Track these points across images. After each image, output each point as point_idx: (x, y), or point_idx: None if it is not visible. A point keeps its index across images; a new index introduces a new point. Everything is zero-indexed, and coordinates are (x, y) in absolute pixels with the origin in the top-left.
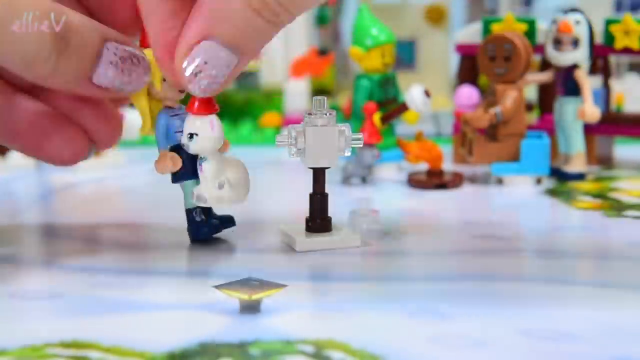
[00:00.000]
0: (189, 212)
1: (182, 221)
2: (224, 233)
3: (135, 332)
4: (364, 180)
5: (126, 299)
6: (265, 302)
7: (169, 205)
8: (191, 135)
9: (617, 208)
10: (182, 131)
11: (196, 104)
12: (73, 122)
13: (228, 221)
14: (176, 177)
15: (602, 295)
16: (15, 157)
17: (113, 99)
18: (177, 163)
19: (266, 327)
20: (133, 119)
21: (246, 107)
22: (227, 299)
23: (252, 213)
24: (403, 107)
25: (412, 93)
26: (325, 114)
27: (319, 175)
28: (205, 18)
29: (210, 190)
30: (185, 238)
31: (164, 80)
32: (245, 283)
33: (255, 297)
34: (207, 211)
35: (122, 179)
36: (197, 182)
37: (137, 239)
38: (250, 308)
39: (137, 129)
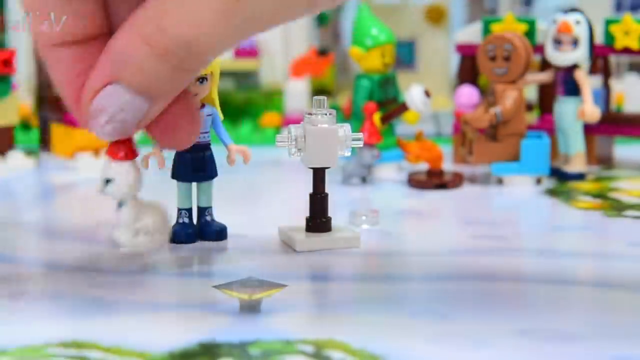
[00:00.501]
0: (177, 212)
1: None
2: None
3: (135, 332)
4: (363, 180)
5: (126, 299)
6: (265, 302)
7: (168, 205)
8: (107, 181)
9: (617, 208)
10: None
11: (115, 149)
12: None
13: (220, 232)
14: (174, 175)
15: (602, 295)
16: (15, 157)
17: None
18: (146, 164)
19: (266, 327)
20: None
21: (246, 107)
22: (227, 299)
23: (252, 213)
24: (403, 107)
25: (412, 93)
26: (326, 114)
27: (319, 175)
28: (112, 62)
29: (127, 236)
30: None
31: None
32: (245, 283)
33: (255, 297)
34: (199, 216)
35: None
36: (199, 187)
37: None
38: (250, 308)
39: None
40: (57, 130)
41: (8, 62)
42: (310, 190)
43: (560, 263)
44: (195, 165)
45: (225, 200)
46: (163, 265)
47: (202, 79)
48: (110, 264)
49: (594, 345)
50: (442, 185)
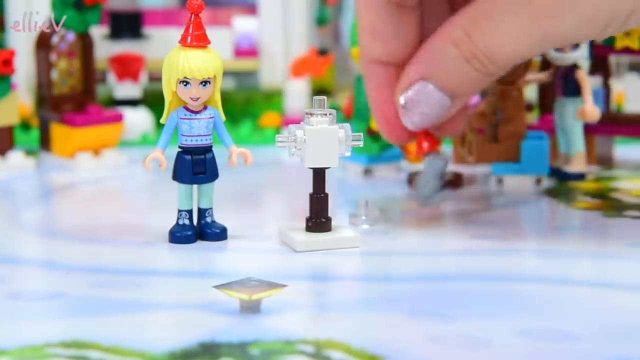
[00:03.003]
0: (178, 213)
1: None
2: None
3: (135, 332)
4: (444, 187)
5: (126, 299)
6: (265, 302)
7: (168, 206)
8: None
9: (617, 208)
10: (188, 135)
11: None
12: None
13: (220, 234)
14: (175, 176)
15: (602, 295)
16: (15, 157)
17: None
18: (147, 166)
19: (266, 327)
20: (133, 119)
21: (246, 107)
22: (227, 299)
23: (252, 213)
24: None
25: None
26: (326, 114)
27: (319, 175)
28: (424, 63)
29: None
30: None
31: (179, 83)
32: (245, 283)
33: (255, 297)
34: (200, 217)
35: (122, 179)
36: (200, 189)
37: (137, 239)
38: (250, 308)
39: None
40: (57, 130)
41: (8, 62)
42: (310, 190)
43: (560, 263)
44: (196, 167)
45: (225, 200)
46: (163, 265)
47: (205, 82)
48: (110, 264)
49: (594, 345)
50: (443, 186)
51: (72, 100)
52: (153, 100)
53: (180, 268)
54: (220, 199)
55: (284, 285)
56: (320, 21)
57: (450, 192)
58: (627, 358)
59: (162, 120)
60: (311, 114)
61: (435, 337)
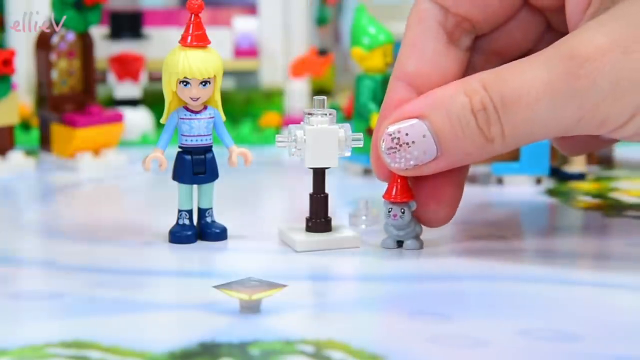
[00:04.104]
0: (178, 213)
1: None
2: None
3: (135, 332)
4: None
5: (126, 299)
6: (265, 302)
7: (168, 205)
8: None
9: (617, 208)
10: (189, 136)
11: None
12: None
13: (220, 233)
14: (175, 176)
15: (602, 295)
16: (15, 157)
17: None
18: (147, 166)
19: (266, 327)
20: (133, 119)
21: (246, 107)
22: (227, 299)
23: (252, 213)
24: None
25: None
26: (326, 114)
27: (319, 175)
28: (427, 102)
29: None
30: None
31: (180, 83)
32: (245, 283)
33: (255, 297)
34: (200, 217)
35: (122, 179)
36: (200, 189)
37: (137, 239)
38: (250, 308)
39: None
40: (57, 130)
41: (8, 62)
42: (310, 190)
43: (560, 263)
44: (196, 167)
45: (225, 200)
46: (163, 265)
47: (205, 82)
48: (110, 264)
49: (594, 345)
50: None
51: (72, 100)
52: (153, 100)
53: (180, 268)
54: (220, 199)
55: (284, 285)
56: (320, 21)
57: None
58: (627, 358)
59: (162, 121)
60: (311, 114)
61: (435, 337)
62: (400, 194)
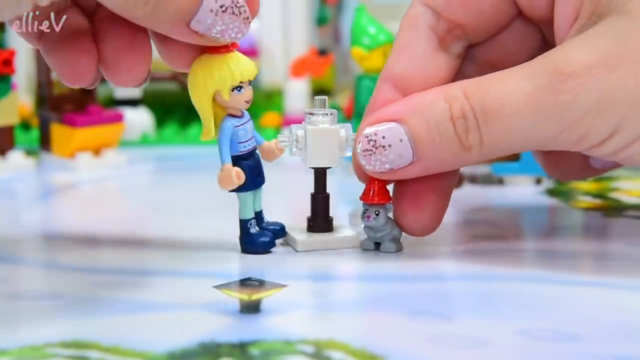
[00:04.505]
0: (244, 223)
1: (182, 221)
2: (225, 232)
3: (135, 332)
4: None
5: (126, 299)
6: (265, 302)
7: (169, 206)
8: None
9: (617, 208)
10: (244, 141)
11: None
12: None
13: (280, 231)
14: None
15: (602, 295)
16: (15, 157)
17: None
18: (241, 178)
19: (266, 327)
20: (133, 119)
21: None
22: (227, 299)
23: None
24: None
25: None
26: (327, 114)
27: (320, 175)
28: (407, 106)
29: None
30: (185, 238)
31: (233, 89)
32: (245, 283)
33: (255, 297)
34: (259, 221)
35: (122, 179)
36: (254, 194)
37: (137, 239)
38: (250, 308)
39: (203, 134)
40: (57, 130)
41: (8, 62)
42: (312, 190)
43: (560, 263)
44: (256, 171)
45: (225, 199)
46: (163, 265)
47: (239, 88)
48: (110, 264)
49: (594, 345)
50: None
51: (72, 100)
52: (153, 101)
53: (180, 268)
54: (220, 199)
55: (284, 285)
56: (320, 21)
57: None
58: (627, 358)
59: (208, 137)
60: (312, 114)
61: (435, 337)
62: (377, 195)
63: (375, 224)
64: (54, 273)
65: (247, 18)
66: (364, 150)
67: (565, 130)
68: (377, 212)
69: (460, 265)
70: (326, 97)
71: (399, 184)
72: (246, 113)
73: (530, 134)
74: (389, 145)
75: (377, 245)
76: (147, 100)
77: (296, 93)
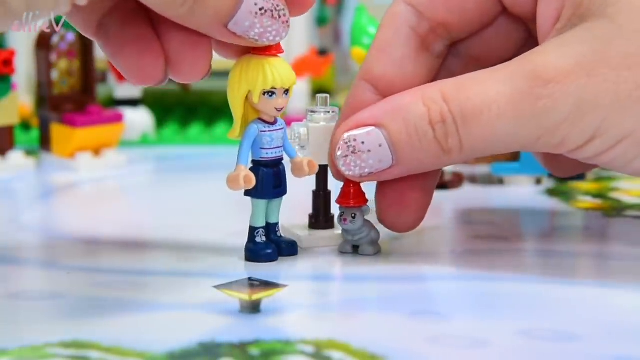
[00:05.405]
0: (252, 230)
1: (182, 221)
2: (225, 232)
3: (135, 332)
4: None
5: (126, 299)
6: (265, 302)
7: (169, 206)
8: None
9: (617, 208)
10: (269, 148)
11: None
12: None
13: (291, 247)
14: (248, 192)
15: (602, 295)
16: (15, 157)
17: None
18: (249, 182)
19: (266, 327)
20: (133, 119)
21: None
22: (227, 299)
23: None
24: None
25: None
26: (328, 112)
27: (321, 172)
28: (385, 109)
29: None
30: (185, 238)
31: (264, 93)
32: (245, 283)
33: (255, 297)
34: (269, 233)
35: (122, 179)
36: (271, 203)
37: (137, 239)
38: (250, 308)
39: (231, 131)
40: (57, 130)
41: (8, 62)
42: (313, 187)
43: (560, 263)
44: (276, 181)
45: (225, 199)
46: (163, 265)
47: (286, 91)
48: (110, 264)
49: (594, 345)
50: (442, 186)
51: (72, 100)
52: (153, 100)
53: (180, 268)
54: (221, 198)
55: (284, 285)
56: (320, 21)
57: (451, 191)
58: (627, 358)
59: (234, 136)
60: (314, 112)
61: (435, 337)
62: (353, 198)
63: (352, 227)
64: (54, 273)
65: (287, 22)
66: (343, 156)
67: (544, 134)
68: (353, 215)
69: (460, 265)
70: (328, 95)
71: (382, 181)
72: (280, 121)
73: (509, 138)
74: (368, 151)
75: (355, 249)
76: (147, 100)
77: (296, 93)
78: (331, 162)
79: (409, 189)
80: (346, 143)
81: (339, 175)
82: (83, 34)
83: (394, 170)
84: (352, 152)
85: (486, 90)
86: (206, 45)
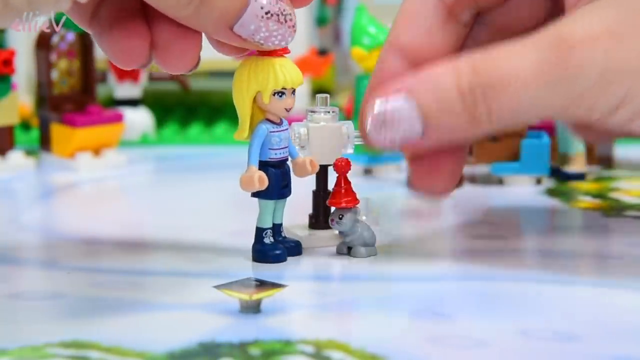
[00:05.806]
0: (259, 231)
1: (182, 221)
2: (225, 232)
3: (135, 332)
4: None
5: (126, 299)
6: (265, 302)
7: (169, 206)
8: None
9: (617, 208)
10: (277, 149)
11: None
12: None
13: (296, 248)
14: (256, 192)
15: (602, 295)
16: (15, 157)
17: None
18: (263, 183)
19: (266, 327)
20: (133, 119)
21: None
22: (227, 299)
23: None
24: None
25: None
26: (329, 112)
27: (321, 172)
28: (417, 78)
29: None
30: (185, 238)
31: (274, 94)
32: (245, 283)
33: (255, 297)
34: (276, 233)
35: (122, 179)
36: (277, 203)
37: (137, 239)
38: (250, 308)
39: (237, 132)
40: (57, 130)
41: (8, 62)
42: (313, 187)
43: (560, 263)
44: (283, 181)
45: (226, 198)
46: (163, 265)
47: (294, 91)
48: (111, 264)
49: (594, 345)
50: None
51: (72, 100)
52: (153, 101)
53: (180, 268)
54: (221, 198)
55: (284, 285)
56: (320, 21)
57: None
58: (627, 358)
59: (241, 137)
60: (314, 112)
61: (435, 337)
62: (344, 198)
63: (340, 228)
64: (54, 273)
65: (293, 26)
66: (373, 124)
67: (572, 103)
68: (340, 216)
69: (460, 265)
70: (328, 95)
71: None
72: (285, 122)
73: (537, 107)
74: (398, 120)
75: (350, 250)
76: (147, 100)
77: (296, 93)
78: (362, 130)
79: (442, 156)
80: (376, 112)
81: (369, 145)
82: (76, 23)
83: (424, 140)
84: (382, 122)
85: (514, 61)
86: (196, 38)
